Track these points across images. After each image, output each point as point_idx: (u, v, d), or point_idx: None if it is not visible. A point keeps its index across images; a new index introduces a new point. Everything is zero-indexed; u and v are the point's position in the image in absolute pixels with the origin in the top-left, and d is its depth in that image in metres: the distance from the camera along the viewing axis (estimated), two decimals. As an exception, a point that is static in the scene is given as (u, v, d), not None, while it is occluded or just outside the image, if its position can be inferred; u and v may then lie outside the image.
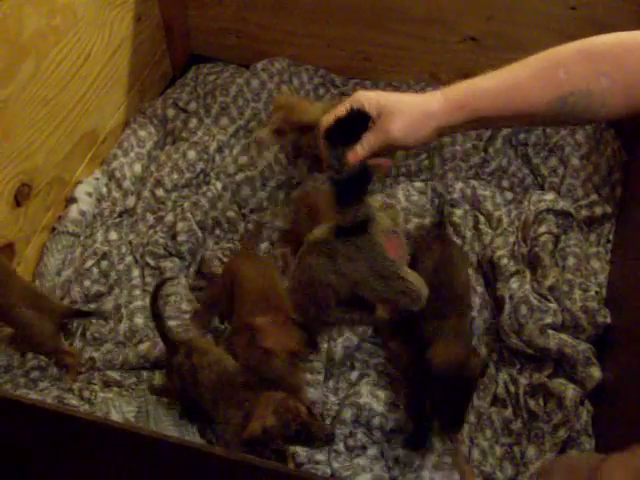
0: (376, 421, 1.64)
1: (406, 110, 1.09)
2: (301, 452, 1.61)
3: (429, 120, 1.09)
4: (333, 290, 1.29)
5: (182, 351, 1.60)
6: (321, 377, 1.74)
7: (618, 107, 1.08)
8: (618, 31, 2.05)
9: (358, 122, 1.08)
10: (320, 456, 1.62)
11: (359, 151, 1.10)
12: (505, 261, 1.92)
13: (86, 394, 1.71)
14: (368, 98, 1.11)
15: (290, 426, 1.38)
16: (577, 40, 1.11)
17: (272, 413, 1.39)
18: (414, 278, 1.33)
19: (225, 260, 1.94)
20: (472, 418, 1.69)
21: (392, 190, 2.15)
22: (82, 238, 2.02)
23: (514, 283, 1.87)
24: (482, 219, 2.07)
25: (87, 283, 1.91)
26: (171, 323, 1.82)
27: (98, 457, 1.31)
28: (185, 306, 1.86)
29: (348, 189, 1.15)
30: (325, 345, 1.77)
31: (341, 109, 1.11)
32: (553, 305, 1.82)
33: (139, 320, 1.86)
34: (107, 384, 1.75)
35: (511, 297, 1.84)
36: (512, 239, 2.00)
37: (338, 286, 1.28)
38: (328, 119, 1.13)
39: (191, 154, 2.18)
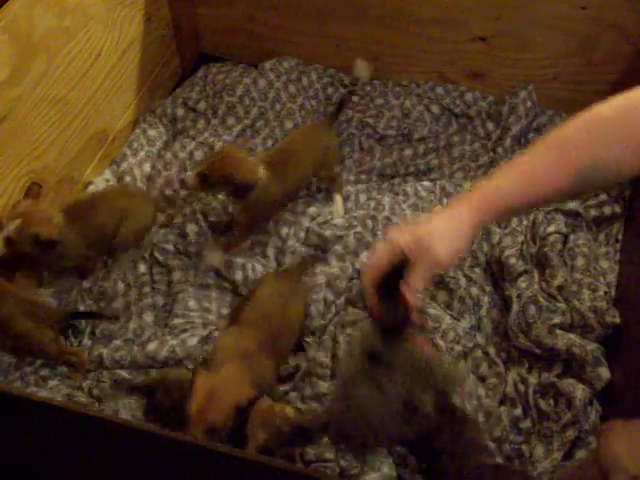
0: None
1: (443, 233, 1.13)
2: (310, 450, 1.61)
3: (464, 231, 1.14)
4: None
5: (160, 390, 1.56)
6: (328, 371, 1.74)
7: (636, 166, 1.10)
8: (627, 31, 2.07)
9: (402, 269, 1.13)
10: (329, 454, 1.63)
11: (413, 286, 1.12)
12: (513, 260, 1.92)
13: (96, 392, 1.71)
14: (404, 238, 1.14)
15: (283, 432, 1.36)
16: (579, 114, 1.14)
17: (260, 428, 1.37)
18: None
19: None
20: (481, 417, 1.69)
21: (400, 188, 2.16)
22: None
23: (522, 283, 1.87)
24: (491, 219, 2.07)
25: (92, 278, 1.93)
26: (178, 321, 1.83)
27: (108, 454, 1.32)
28: (192, 304, 1.87)
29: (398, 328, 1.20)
30: (329, 343, 1.78)
31: (381, 257, 1.16)
32: (562, 305, 1.82)
33: (148, 318, 1.86)
34: (116, 382, 1.75)
35: (519, 297, 1.84)
36: (520, 239, 2.00)
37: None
38: (369, 270, 1.18)
39: (198, 155, 2.19)
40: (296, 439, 1.39)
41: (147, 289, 1.92)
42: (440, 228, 1.14)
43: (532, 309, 1.80)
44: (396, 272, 1.13)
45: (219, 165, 1.78)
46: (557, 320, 1.79)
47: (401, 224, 1.09)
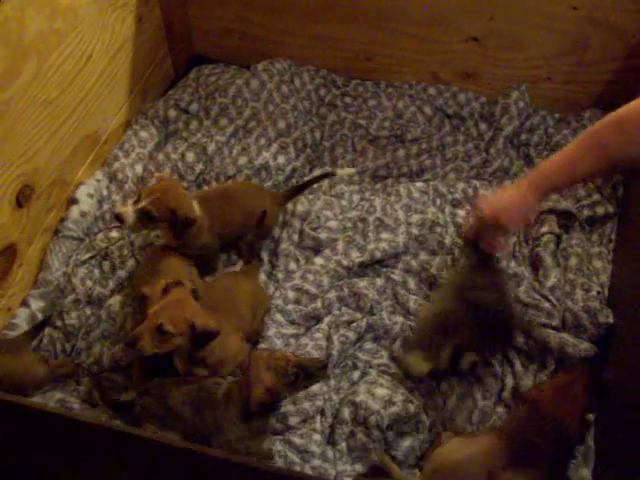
0: (372, 419, 1.64)
1: (516, 205, 1.60)
2: (315, 449, 1.62)
3: (530, 204, 1.60)
4: None
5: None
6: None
7: None
8: (619, 30, 2.08)
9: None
10: (329, 453, 1.64)
11: (497, 238, 1.72)
12: (504, 263, 1.92)
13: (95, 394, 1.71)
14: (490, 208, 1.64)
15: (288, 373, 1.44)
16: (610, 114, 1.43)
17: (266, 371, 1.43)
18: None
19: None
20: (477, 418, 1.69)
21: (393, 188, 2.15)
22: (86, 242, 2.02)
23: (510, 285, 1.88)
24: (484, 219, 2.07)
25: (89, 283, 1.91)
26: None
27: (100, 459, 1.32)
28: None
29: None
30: (323, 342, 1.78)
31: (475, 221, 1.72)
32: (547, 305, 1.83)
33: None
34: (111, 387, 1.74)
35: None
36: (513, 239, 2.00)
37: None
38: (468, 228, 1.79)
39: (190, 156, 2.18)
40: (298, 380, 1.46)
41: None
42: (514, 201, 1.60)
43: (518, 308, 1.83)
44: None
45: (163, 201, 1.71)
46: (544, 320, 1.80)
47: (486, 196, 1.75)
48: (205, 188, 2.16)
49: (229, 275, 1.91)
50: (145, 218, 1.71)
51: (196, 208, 1.81)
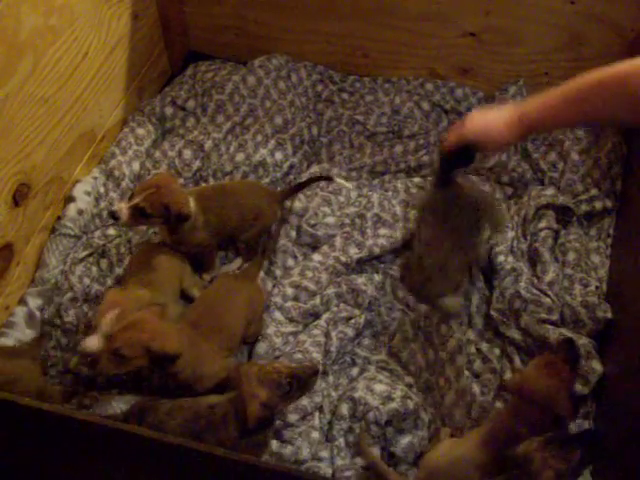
0: (371, 415, 1.64)
1: (500, 131, 1.56)
2: (304, 449, 1.62)
3: (513, 133, 1.56)
4: None
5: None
6: (320, 367, 1.73)
7: (634, 121, 1.43)
8: (616, 25, 2.07)
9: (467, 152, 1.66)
10: (324, 453, 1.63)
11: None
12: (502, 258, 1.92)
13: (85, 402, 1.70)
14: (473, 127, 1.61)
15: (281, 385, 1.42)
16: (594, 70, 1.43)
17: (259, 386, 1.41)
18: None
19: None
20: (475, 413, 1.69)
21: (391, 184, 2.15)
22: (83, 239, 2.02)
23: (508, 280, 1.88)
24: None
25: (87, 281, 1.91)
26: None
27: (98, 458, 1.31)
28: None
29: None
30: (322, 339, 1.78)
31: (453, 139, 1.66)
32: (547, 300, 1.83)
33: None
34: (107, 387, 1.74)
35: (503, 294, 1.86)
36: (511, 235, 2.00)
37: None
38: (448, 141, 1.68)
39: (187, 153, 2.18)
40: (293, 390, 1.45)
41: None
42: (500, 125, 1.57)
43: (517, 303, 1.83)
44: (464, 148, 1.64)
45: (156, 196, 1.70)
46: (544, 315, 1.80)
47: (473, 114, 1.64)
48: (202, 185, 2.15)
49: (225, 280, 1.87)
50: (139, 214, 1.70)
51: (191, 204, 1.79)
